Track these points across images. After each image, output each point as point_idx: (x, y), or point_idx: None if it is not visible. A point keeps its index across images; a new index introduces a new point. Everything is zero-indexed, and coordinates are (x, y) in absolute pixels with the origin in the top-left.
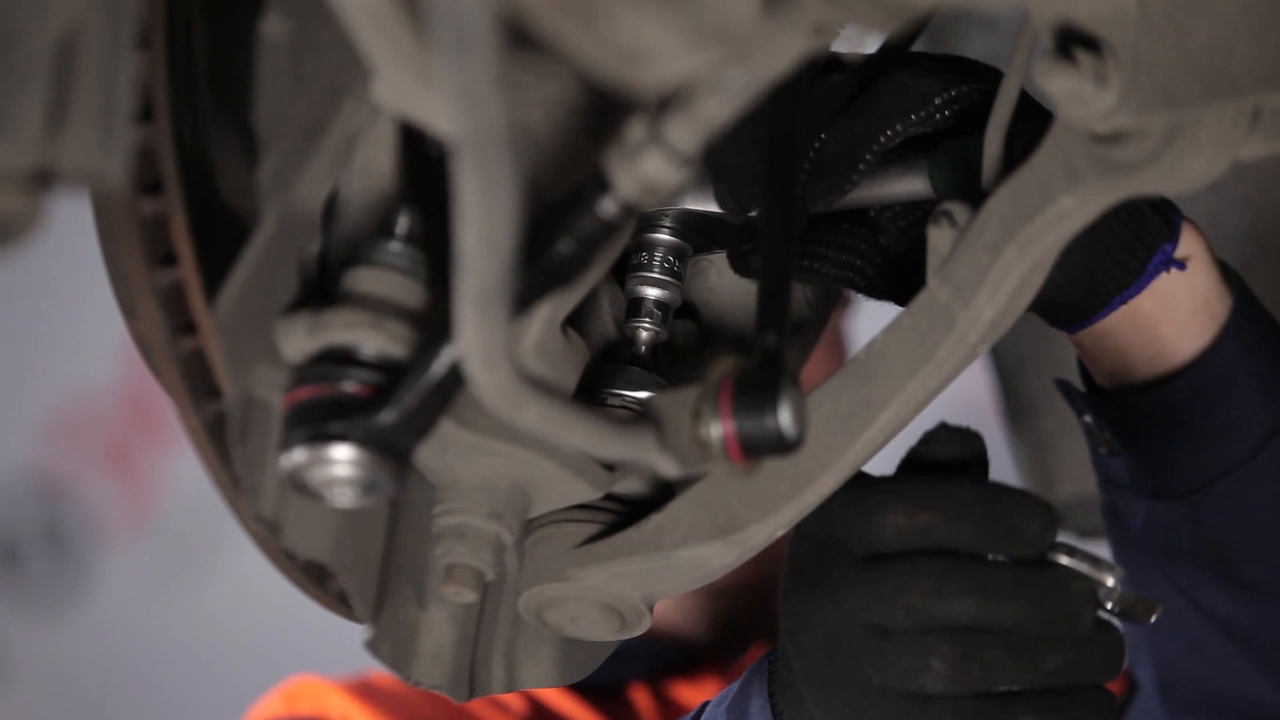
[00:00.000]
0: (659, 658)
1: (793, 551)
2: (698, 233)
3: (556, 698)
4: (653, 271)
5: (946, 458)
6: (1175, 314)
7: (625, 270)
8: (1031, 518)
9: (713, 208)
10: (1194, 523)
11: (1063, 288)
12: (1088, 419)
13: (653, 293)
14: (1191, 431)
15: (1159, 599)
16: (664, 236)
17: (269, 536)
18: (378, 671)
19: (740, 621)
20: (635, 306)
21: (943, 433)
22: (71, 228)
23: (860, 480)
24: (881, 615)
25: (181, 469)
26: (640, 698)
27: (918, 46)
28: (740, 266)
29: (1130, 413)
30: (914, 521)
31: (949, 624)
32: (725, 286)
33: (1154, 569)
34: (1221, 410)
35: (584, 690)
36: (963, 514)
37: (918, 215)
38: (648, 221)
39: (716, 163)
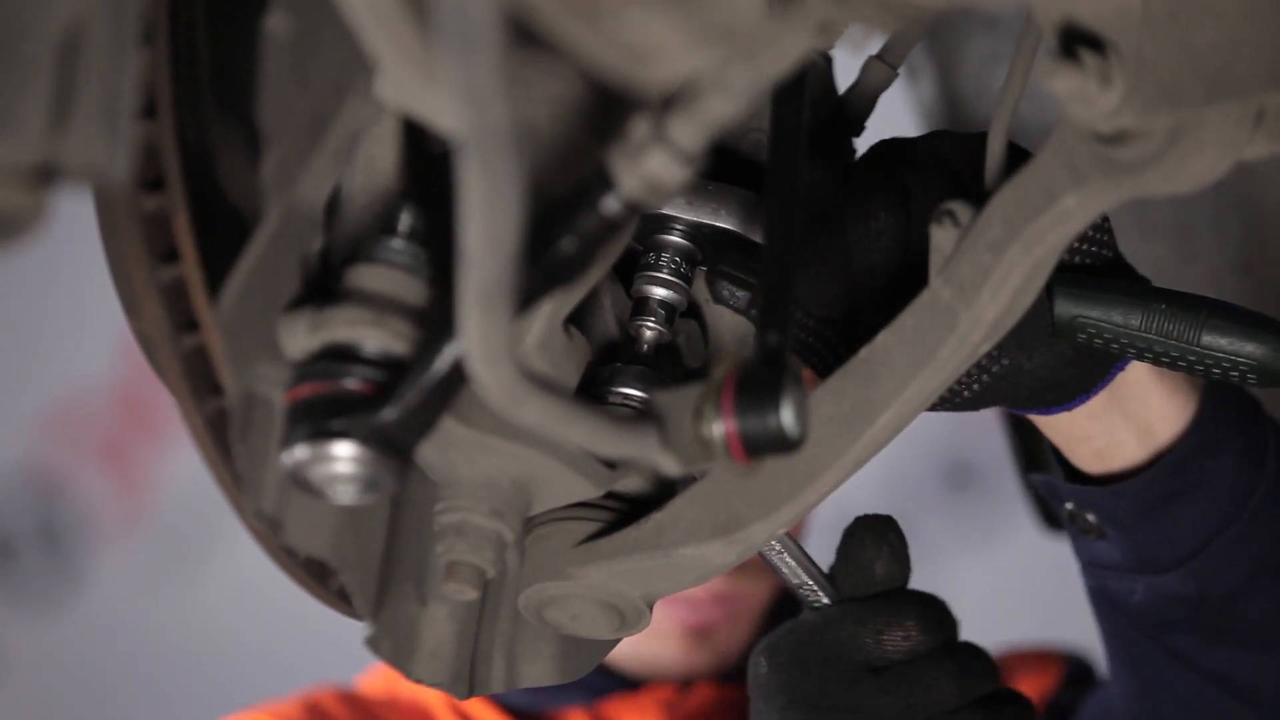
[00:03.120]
0: (601, 687)
1: (778, 680)
2: (709, 242)
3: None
4: (661, 272)
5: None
6: (1161, 384)
7: (630, 270)
8: (941, 610)
9: (721, 222)
10: (1198, 587)
11: (1057, 368)
12: (1069, 506)
13: (659, 293)
14: (1188, 500)
15: (1154, 668)
16: (674, 239)
17: (270, 533)
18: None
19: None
20: (641, 306)
21: (863, 530)
22: (69, 224)
23: (835, 609)
24: (916, 710)
25: (177, 466)
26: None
27: (919, 48)
28: (713, 289)
29: (1123, 492)
30: (910, 636)
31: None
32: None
33: (1152, 643)
34: (1213, 473)
35: (516, 713)
36: (924, 621)
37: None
38: (659, 224)
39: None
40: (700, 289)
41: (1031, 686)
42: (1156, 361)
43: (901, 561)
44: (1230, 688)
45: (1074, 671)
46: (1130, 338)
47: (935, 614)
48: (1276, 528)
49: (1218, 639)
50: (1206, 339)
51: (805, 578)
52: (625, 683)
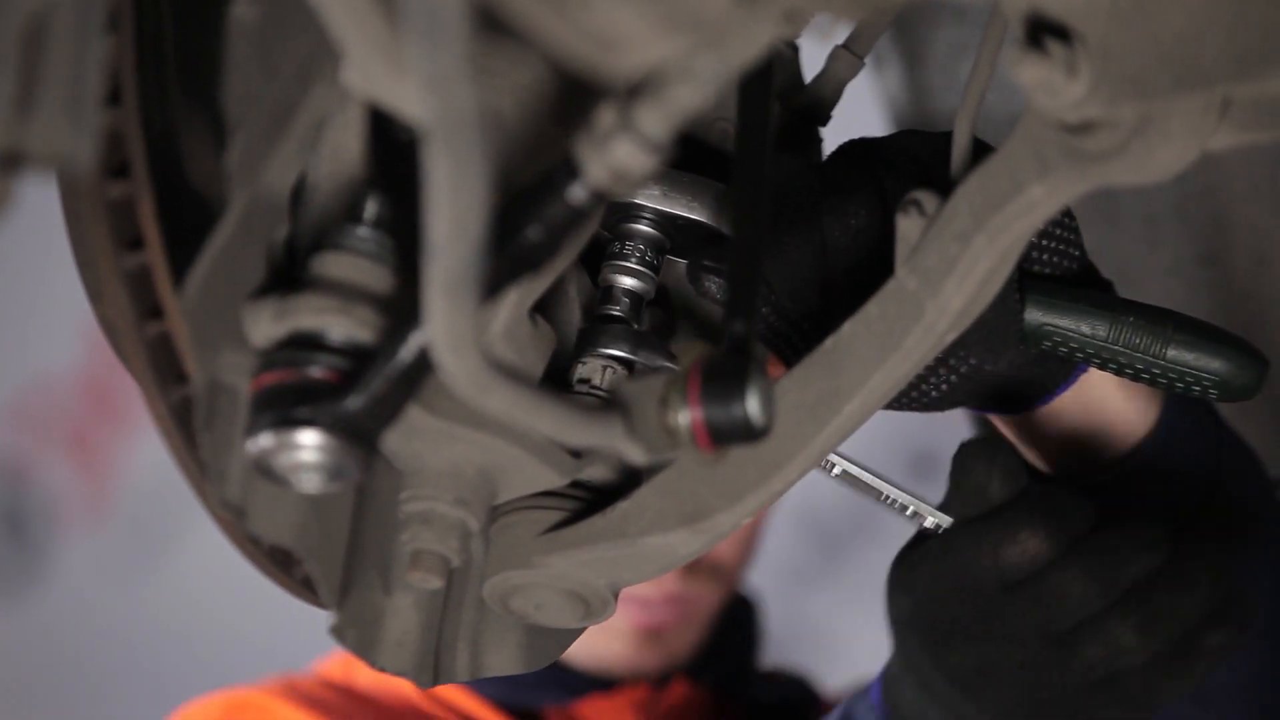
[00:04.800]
0: (577, 687)
1: (919, 616)
2: (679, 233)
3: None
4: (628, 261)
5: (985, 477)
6: (1121, 389)
7: (598, 259)
8: (1069, 501)
9: (695, 214)
10: None
11: (1023, 367)
12: None
13: (626, 281)
14: (1142, 505)
15: None
16: (643, 228)
17: (234, 522)
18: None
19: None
20: (607, 295)
21: (972, 457)
22: (34, 211)
23: (954, 533)
24: (1056, 622)
25: (141, 455)
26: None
27: (885, 38)
28: (694, 282)
29: (1095, 491)
30: (1027, 548)
31: (1106, 606)
32: None
33: None
34: (1170, 479)
35: (495, 705)
36: (1041, 527)
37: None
38: (627, 213)
39: (770, 271)
40: (667, 278)
41: None
42: (1120, 373)
43: (1016, 477)
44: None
45: None
46: (1096, 348)
47: (1053, 516)
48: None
49: None
50: (1172, 353)
51: (914, 501)
52: (600, 683)
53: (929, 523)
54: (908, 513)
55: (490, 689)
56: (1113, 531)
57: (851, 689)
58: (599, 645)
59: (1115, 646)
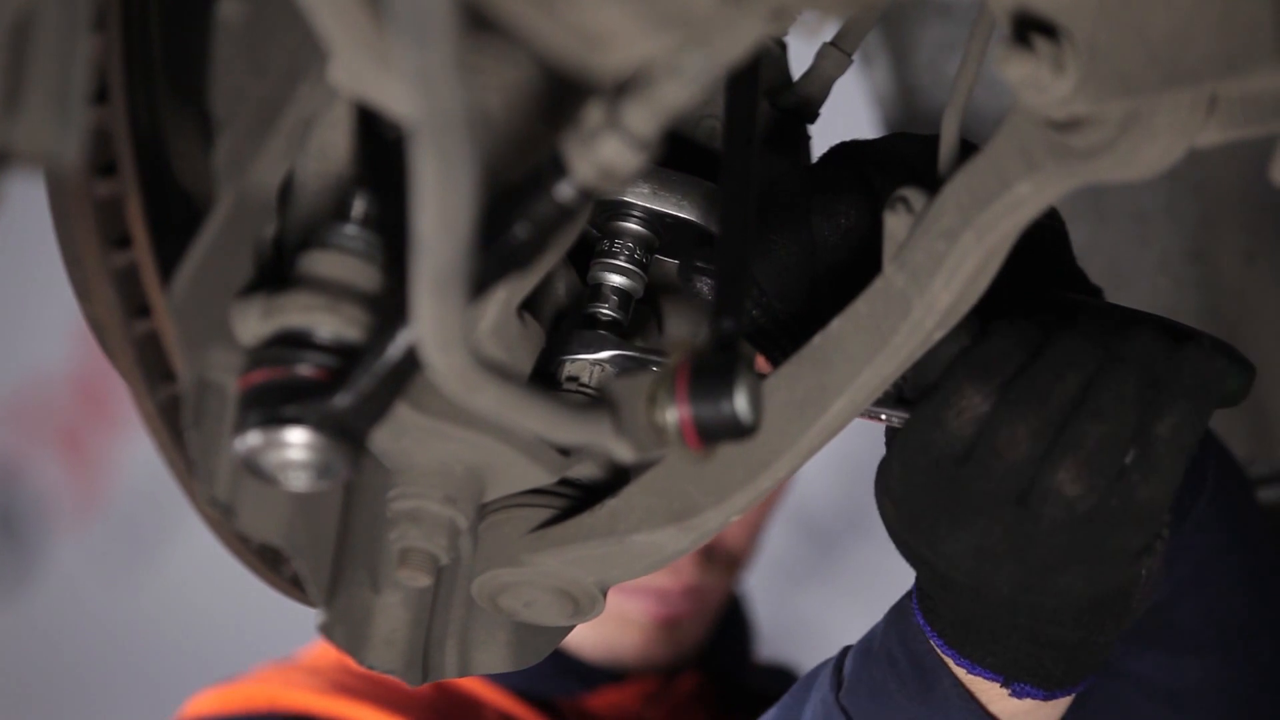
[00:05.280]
0: (589, 678)
1: (904, 515)
2: (667, 231)
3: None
4: (617, 259)
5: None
6: None
7: (586, 256)
8: (996, 342)
9: (683, 213)
10: None
11: None
12: None
13: (615, 279)
14: None
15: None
16: (632, 226)
17: (223, 520)
18: (307, 654)
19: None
20: (596, 292)
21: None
22: (25, 209)
23: (909, 421)
24: (1012, 483)
25: (133, 453)
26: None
27: (873, 35)
28: (686, 282)
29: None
30: (963, 411)
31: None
32: None
33: None
34: None
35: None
36: (976, 386)
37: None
38: (616, 211)
39: (759, 270)
40: (658, 276)
41: None
42: None
43: (956, 329)
44: (1152, 691)
45: None
46: None
47: (981, 368)
48: (1212, 538)
49: (1146, 643)
50: None
51: (874, 407)
52: (611, 675)
53: (897, 421)
54: (882, 418)
55: (504, 677)
56: (1042, 359)
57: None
58: (613, 636)
59: (1063, 499)
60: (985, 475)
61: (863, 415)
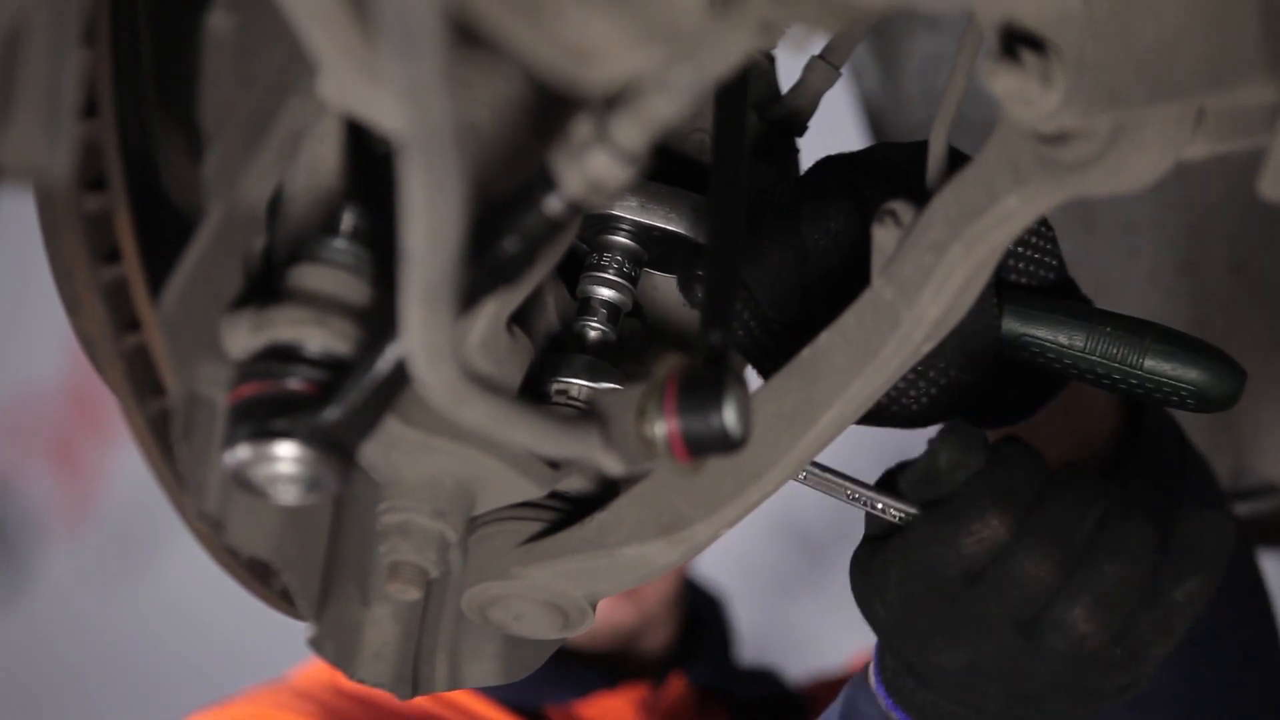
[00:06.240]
0: (580, 686)
1: (894, 620)
2: (656, 244)
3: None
4: (606, 273)
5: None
6: (1099, 398)
7: (575, 270)
8: (1017, 471)
9: (672, 226)
10: None
11: (1003, 380)
12: None
13: (604, 293)
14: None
15: None
16: (620, 239)
17: (212, 534)
18: (299, 675)
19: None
20: (585, 306)
21: (951, 440)
22: (16, 221)
23: (915, 525)
24: (1021, 609)
25: (124, 465)
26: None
27: (862, 48)
28: (687, 292)
29: None
30: (983, 536)
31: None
32: (672, 286)
33: None
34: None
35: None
36: (995, 511)
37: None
38: (605, 224)
39: (751, 279)
40: (646, 289)
41: None
42: (1097, 383)
43: (967, 444)
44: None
45: None
46: (1074, 359)
47: (1003, 494)
48: None
49: None
50: (1149, 363)
51: (870, 493)
52: (602, 681)
53: (895, 516)
54: (877, 508)
55: (494, 688)
56: (1061, 494)
57: (818, 677)
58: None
59: (1074, 634)
60: (997, 600)
61: (856, 502)
